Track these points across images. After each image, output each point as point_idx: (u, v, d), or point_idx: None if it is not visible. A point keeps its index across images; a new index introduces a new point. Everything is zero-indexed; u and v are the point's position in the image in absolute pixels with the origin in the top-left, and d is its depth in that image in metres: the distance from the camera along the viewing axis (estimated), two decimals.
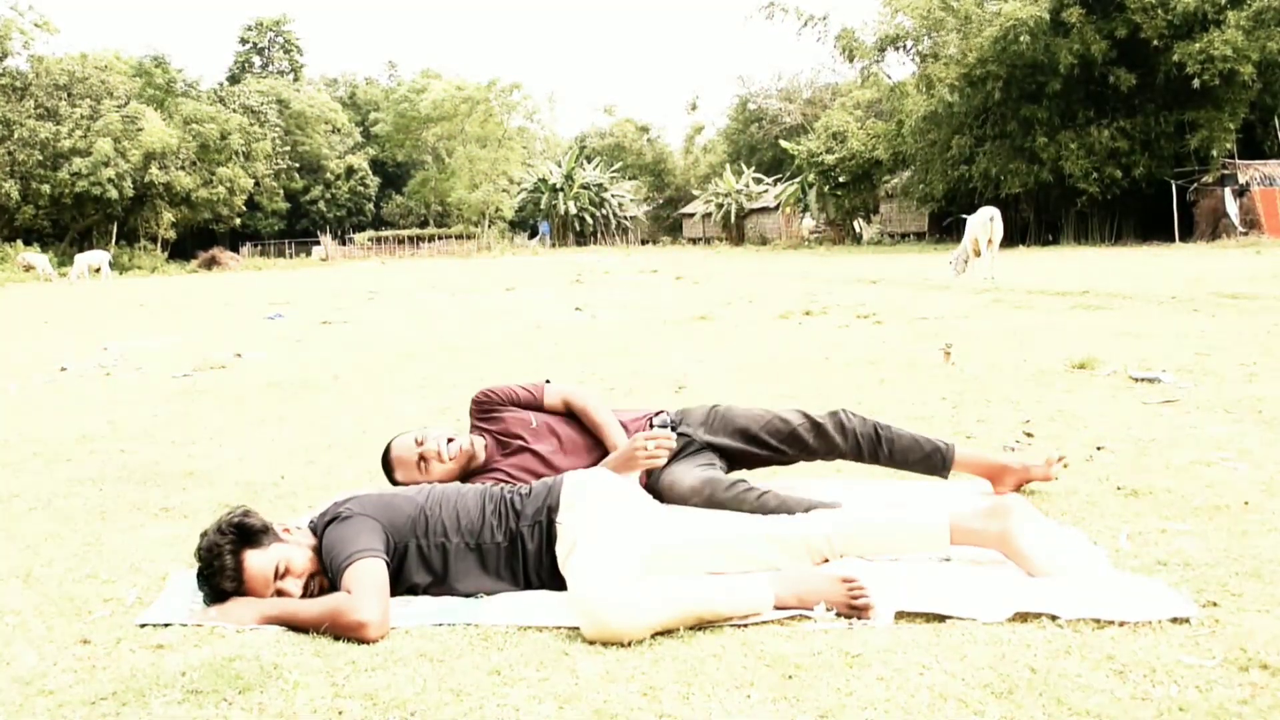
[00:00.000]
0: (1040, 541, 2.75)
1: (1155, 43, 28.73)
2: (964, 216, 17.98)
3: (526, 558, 2.81)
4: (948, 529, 2.82)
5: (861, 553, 2.82)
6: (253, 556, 2.70)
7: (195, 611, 2.66)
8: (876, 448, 3.52)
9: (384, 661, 2.32)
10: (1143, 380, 5.70)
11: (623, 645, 2.34)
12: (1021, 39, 29.54)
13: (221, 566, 2.68)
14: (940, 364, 6.77)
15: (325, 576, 2.75)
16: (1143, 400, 5.17)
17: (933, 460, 3.51)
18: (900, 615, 2.44)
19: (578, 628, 2.44)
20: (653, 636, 2.37)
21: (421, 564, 2.79)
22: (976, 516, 2.84)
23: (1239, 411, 4.75)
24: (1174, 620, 2.32)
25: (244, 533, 2.73)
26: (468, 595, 2.77)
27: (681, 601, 2.43)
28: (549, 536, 2.79)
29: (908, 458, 3.53)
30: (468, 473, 3.51)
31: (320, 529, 2.82)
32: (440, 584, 2.80)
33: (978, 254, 16.88)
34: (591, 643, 2.37)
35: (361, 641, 2.44)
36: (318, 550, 2.78)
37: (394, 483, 3.49)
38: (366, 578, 2.58)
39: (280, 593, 2.70)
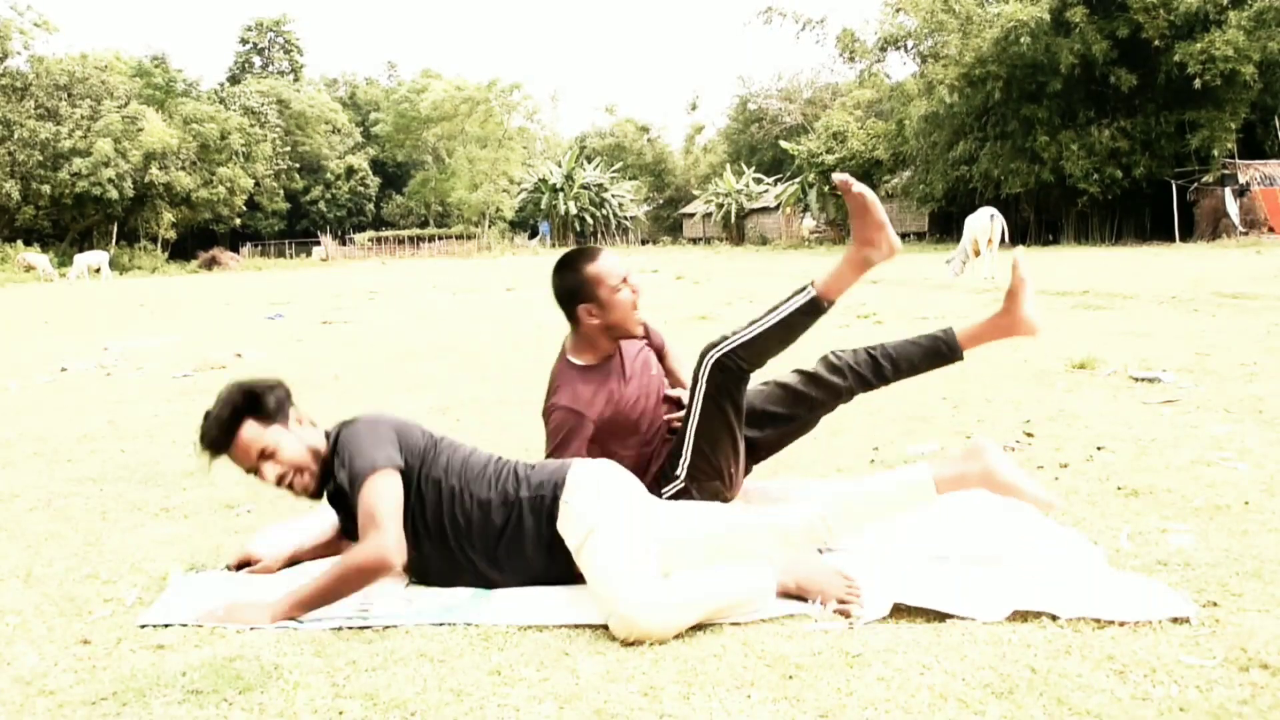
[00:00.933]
0: (1021, 472, 2.88)
1: (1156, 43, 28.72)
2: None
3: (523, 528, 2.77)
4: (932, 480, 2.84)
5: (856, 522, 2.85)
6: (251, 426, 2.74)
7: (201, 613, 2.65)
8: (879, 369, 3.38)
9: (384, 661, 2.32)
10: (1143, 380, 5.70)
11: (626, 645, 2.34)
12: (1022, 40, 29.56)
13: (219, 418, 2.73)
14: None
15: (321, 478, 2.80)
16: (1143, 400, 5.17)
17: (939, 349, 3.37)
18: (900, 615, 2.44)
19: (580, 627, 2.44)
20: None
21: (417, 501, 2.78)
22: (955, 462, 2.89)
23: (1239, 411, 4.75)
24: (1174, 620, 2.32)
25: (255, 402, 2.77)
26: (450, 561, 2.77)
27: (704, 600, 2.45)
28: (550, 513, 2.77)
29: (914, 361, 3.39)
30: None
31: (337, 430, 2.84)
32: (426, 537, 2.79)
33: (977, 254, 16.88)
34: (625, 643, 2.36)
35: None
36: (320, 457, 2.81)
37: (575, 288, 3.40)
38: (384, 500, 2.62)
39: (255, 472, 2.75)
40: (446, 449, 2.87)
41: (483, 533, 2.78)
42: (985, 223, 16.38)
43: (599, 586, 2.52)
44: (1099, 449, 4.11)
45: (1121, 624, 2.31)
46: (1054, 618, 2.35)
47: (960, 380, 6.06)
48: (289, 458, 2.77)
